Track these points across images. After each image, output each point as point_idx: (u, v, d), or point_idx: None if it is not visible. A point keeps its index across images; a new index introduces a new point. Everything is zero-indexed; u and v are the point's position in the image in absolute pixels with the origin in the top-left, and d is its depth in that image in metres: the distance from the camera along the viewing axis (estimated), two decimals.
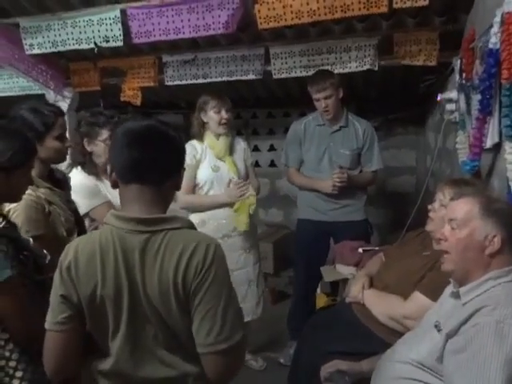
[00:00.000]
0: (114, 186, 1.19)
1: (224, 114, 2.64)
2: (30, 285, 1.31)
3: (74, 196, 2.00)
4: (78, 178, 2.19)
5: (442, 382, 1.26)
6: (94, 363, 1.20)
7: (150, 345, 1.14)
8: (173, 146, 1.19)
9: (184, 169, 1.24)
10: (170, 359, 1.15)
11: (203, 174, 2.67)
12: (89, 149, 2.23)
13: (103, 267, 1.11)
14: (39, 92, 3.30)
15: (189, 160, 2.56)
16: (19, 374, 1.33)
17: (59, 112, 1.83)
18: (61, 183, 1.90)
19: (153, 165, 1.13)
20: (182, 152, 1.23)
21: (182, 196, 2.57)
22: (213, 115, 2.64)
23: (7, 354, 1.33)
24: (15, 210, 1.61)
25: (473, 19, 2.26)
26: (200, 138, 2.69)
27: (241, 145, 2.87)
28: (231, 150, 2.77)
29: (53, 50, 2.78)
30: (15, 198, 1.47)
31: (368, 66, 2.83)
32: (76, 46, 2.74)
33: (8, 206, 1.61)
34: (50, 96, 3.27)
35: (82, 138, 2.24)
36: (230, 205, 2.63)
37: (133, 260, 1.11)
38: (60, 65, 3.27)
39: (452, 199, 1.48)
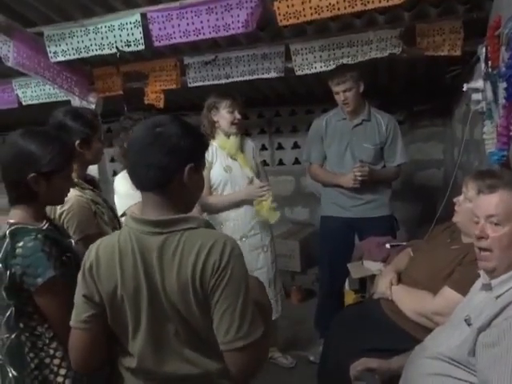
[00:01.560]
0: None
1: (237, 114, 2.66)
2: (73, 286, 1.34)
3: (116, 196, 2.12)
4: (119, 178, 2.26)
5: (474, 377, 1.23)
6: (120, 359, 1.23)
7: (172, 342, 1.16)
8: (166, 147, 1.12)
9: (194, 166, 1.17)
10: (192, 356, 1.16)
11: (216, 175, 2.67)
12: None
13: (122, 267, 1.14)
14: (65, 99, 3.37)
15: None
16: (63, 371, 1.36)
17: (96, 114, 1.91)
18: (92, 184, 1.95)
19: (146, 173, 1.13)
20: (184, 149, 1.14)
21: (201, 198, 2.58)
22: (226, 115, 2.65)
23: (51, 351, 1.37)
24: (68, 212, 1.68)
25: (498, 6, 2.20)
26: (211, 137, 2.70)
27: (249, 144, 2.88)
28: (241, 149, 2.78)
29: (76, 56, 2.83)
30: (57, 201, 1.51)
31: (389, 51, 2.76)
32: (99, 52, 2.78)
33: (60, 209, 1.68)
34: (75, 102, 3.32)
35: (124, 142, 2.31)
36: (248, 202, 2.64)
37: (151, 260, 1.13)
38: (84, 71, 3.33)
39: (481, 192, 1.43)
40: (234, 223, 2.65)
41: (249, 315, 1.10)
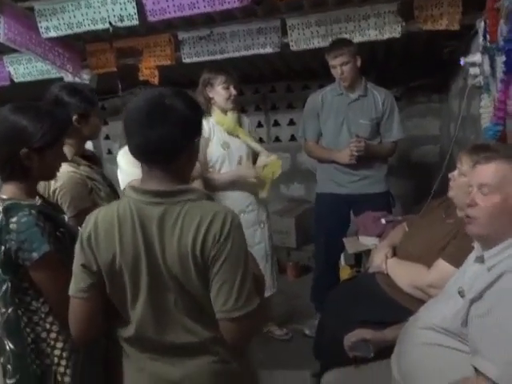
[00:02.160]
0: None
1: (232, 89, 2.63)
2: (67, 261, 1.35)
3: (119, 172, 2.15)
4: (122, 153, 2.25)
5: (466, 346, 1.25)
6: (119, 330, 1.24)
7: (171, 311, 1.17)
8: (178, 120, 1.12)
9: (198, 139, 1.20)
10: (190, 326, 1.18)
11: (214, 152, 2.65)
12: None
13: (121, 236, 1.14)
14: (58, 76, 3.33)
15: None
16: (60, 344, 1.38)
17: (93, 90, 1.89)
18: (91, 160, 1.94)
19: (156, 147, 1.12)
20: (192, 122, 1.17)
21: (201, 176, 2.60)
22: (221, 91, 2.62)
23: (48, 326, 1.38)
24: (61, 189, 1.68)
25: None
26: (207, 114, 2.68)
27: (245, 120, 2.87)
28: (240, 124, 2.77)
29: (68, 32, 2.79)
30: (49, 177, 1.51)
31: (388, 35, 2.75)
32: (91, 27, 2.74)
33: (54, 185, 1.67)
34: (68, 79, 3.28)
35: None
36: (241, 184, 2.65)
37: (151, 230, 1.13)
38: (76, 47, 3.28)
39: (478, 163, 1.43)
40: (231, 200, 2.66)
41: (247, 286, 1.13)
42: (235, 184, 2.65)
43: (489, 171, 1.34)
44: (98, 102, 1.85)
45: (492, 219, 1.31)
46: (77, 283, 1.18)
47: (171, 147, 1.13)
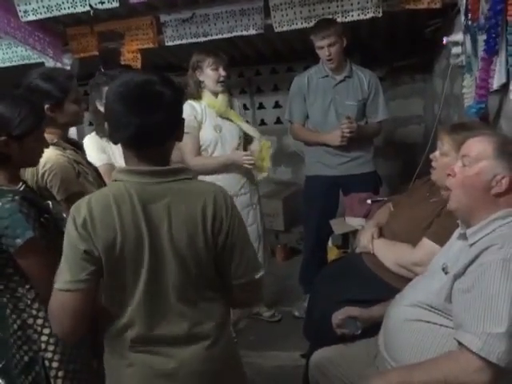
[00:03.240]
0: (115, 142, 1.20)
1: (222, 71, 2.62)
2: (52, 248, 1.33)
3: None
4: (88, 137, 2.30)
5: (450, 321, 1.28)
6: (106, 324, 1.22)
7: (168, 299, 1.17)
8: (171, 104, 1.14)
9: (183, 119, 1.22)
10: (186, 312, 1.19)
11: (206, 135, 2.66)
12: (102, 110, 2.25)
13: (121, 219, 1.12)
14: (38, 61, 3.26)
15: (191, 122, 2.56)
16: (47, 330, 1.38)
17: (71, 76, 1.85)
18: (76, 147, 1.92)
19: (151, 133, 1.13)
20: (179, 105, 1.21)
21: (191, 159, 2.60)
22: (210, 73, 2.61)
23: (34, 312, 1.38)
24: (51, 172, 1.66)
25: None
26: (198, 97, 2.66)
27: (235, 102, 2.88)
28: (231, 107, 2.77)
29: (48, 15, 2.74)
30: (31, 163, 1.50)
31: (371, 14, 2.74)
32: (71, 10, 2.69)
33: (42, 169, 1.65)
34: (49, 64, 3.22)
35: (95, 100, 2.28)
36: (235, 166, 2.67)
37: (155, 210, 1.14)
38: (57, 31, 3.22)
39: (463, 142, 1.44)
40: (224, 183, 2.66)
41: (255, 252, 1.28)
42: (227, 168, 2.66)
43: (473, 143, 1.35)
44: (73, 89, 1.79)
45: (463, 191, 1.33)
46: (74, 275, 1.10)
47: (164, 132, 1.15)
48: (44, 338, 1.39)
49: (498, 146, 1.30)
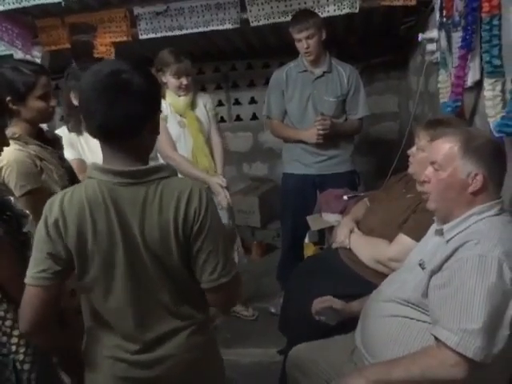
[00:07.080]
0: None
1: (183, 79, 2.61)
2: (16, 244, 1.30)
3: None
4: (57, 131, 2.21)
5: (427, 316, 1.29)
6: (92, 317, 1.20)
7: (150, 296, 1.16)
8: (141, 93, 1.09)
9: (161, 110, 1.19)
10: (170, 307, 1.18)
11: (172, 129, 2.68)
12: (75, 102, 2.19)
13: (94, 221, 1.10)
14: (7, 53, 3.16)
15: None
16: (16, 332, 1.33)
17: (41, 71, 1.76)
18: (51, 143, 1.86)
19: (120, 123, 1.08)
20: (153, 95, 1.14)
21: (168, 152, 2.61)
22: (172, 80, 2.62)
23: (2, 313, 1.33)
24: (7, 167, 1.60)
25: None
26: (162, 96, 2.64)
27: (203, 98, 2.84)
28: (193, 106, 2.75)
29: (17, 5, 2.65)
30: None
31: (347, 10, 2.74)
32: (41, 1, 2.61)
33: None
34: (18, 56, 3.12)
35: (69, 92, 2.21)
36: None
37: (127, 213, 1.11)
38: (26, 22, 3.11)
39: (432, 140, 1.46)
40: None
41: (228, 254, 1.21)
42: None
43: (438, 148, 1.36)
44: (39, 84, 1.70)
45: (441, 194, 1.34)
46: (39, 271, 1.11)
47: (136, 123, 1.10)
48: (14, 340, 1.34)
49: (463, 145, 1.30)
